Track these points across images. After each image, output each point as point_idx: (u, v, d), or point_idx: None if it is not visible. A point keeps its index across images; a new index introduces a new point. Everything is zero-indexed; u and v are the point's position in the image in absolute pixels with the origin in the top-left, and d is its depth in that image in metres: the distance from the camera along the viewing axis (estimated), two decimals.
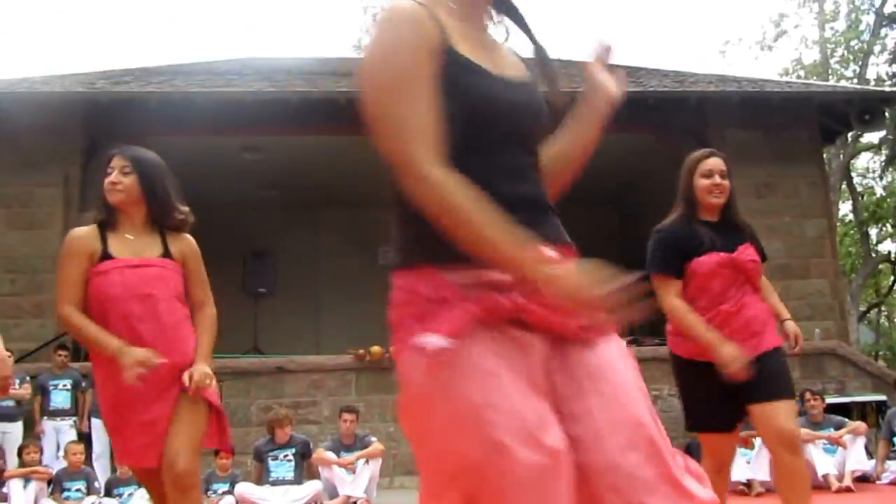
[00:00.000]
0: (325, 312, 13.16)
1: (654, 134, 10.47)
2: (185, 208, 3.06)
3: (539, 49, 1.54)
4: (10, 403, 7.42)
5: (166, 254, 2.99)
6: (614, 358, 1.40)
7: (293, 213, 12.93)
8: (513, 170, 1.41)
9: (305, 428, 8.07)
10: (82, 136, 9.47)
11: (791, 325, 3.48)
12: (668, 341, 3.42)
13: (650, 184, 11.85)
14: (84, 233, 2.95)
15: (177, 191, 3.05)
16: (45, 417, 7.74)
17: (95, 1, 45.24)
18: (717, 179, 3.28)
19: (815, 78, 20.98)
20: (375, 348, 8.63)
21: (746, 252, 3.31)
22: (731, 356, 3.07)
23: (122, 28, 48.23)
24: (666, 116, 10.09)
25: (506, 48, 1.54)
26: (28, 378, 7.65)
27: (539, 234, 1.35)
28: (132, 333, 2.82)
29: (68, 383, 7.83)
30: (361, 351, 8.71)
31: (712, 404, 3.22)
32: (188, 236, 3.10)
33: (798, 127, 10.54)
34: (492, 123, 1.39)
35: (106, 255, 2.91)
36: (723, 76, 12.31)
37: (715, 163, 3.32)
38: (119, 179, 2.93)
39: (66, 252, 2.92)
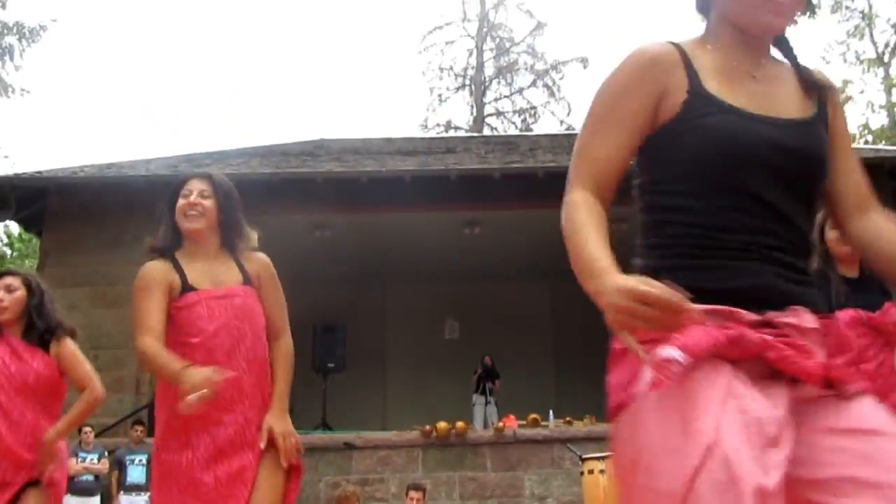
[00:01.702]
0: (392, 386, 13.19)
1: None
2: (254, 234, 2.77)
3: (811, 78, 1.45)
4: (89, 478, 7.58)
5: (246, 280, 2.64)
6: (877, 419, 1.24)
7: (362, 288, 13.12)
8: (750, 214, 1.32)
9: None
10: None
11: None
12: None
13: None
14: (160, 264, 2.61)
15: (245, 215, 2.75)
16: (122, 492, 7.78)
17: (173, 91, 47.77)
18: None
19: (883, 142, 20.59)
20: (442, 424, 8.52)
21: (890, 312, 3.02)
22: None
23: (199, 114, 50.60)
24: None
25: (790, 82, 1.44)
26: (106, 452, 7.83)
27: (761, 290, 1.28)
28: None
29: (144, 458, 7.90)
30: (428, 427, 8.57)
31: None
32: (262, 256, 2.75)
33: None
34: (732, 163, 1.32)
35: (187, 287, 2.57)
36: None
37: None
38: (199, 201, 2.64)
39: (143, 284, 2.54)
